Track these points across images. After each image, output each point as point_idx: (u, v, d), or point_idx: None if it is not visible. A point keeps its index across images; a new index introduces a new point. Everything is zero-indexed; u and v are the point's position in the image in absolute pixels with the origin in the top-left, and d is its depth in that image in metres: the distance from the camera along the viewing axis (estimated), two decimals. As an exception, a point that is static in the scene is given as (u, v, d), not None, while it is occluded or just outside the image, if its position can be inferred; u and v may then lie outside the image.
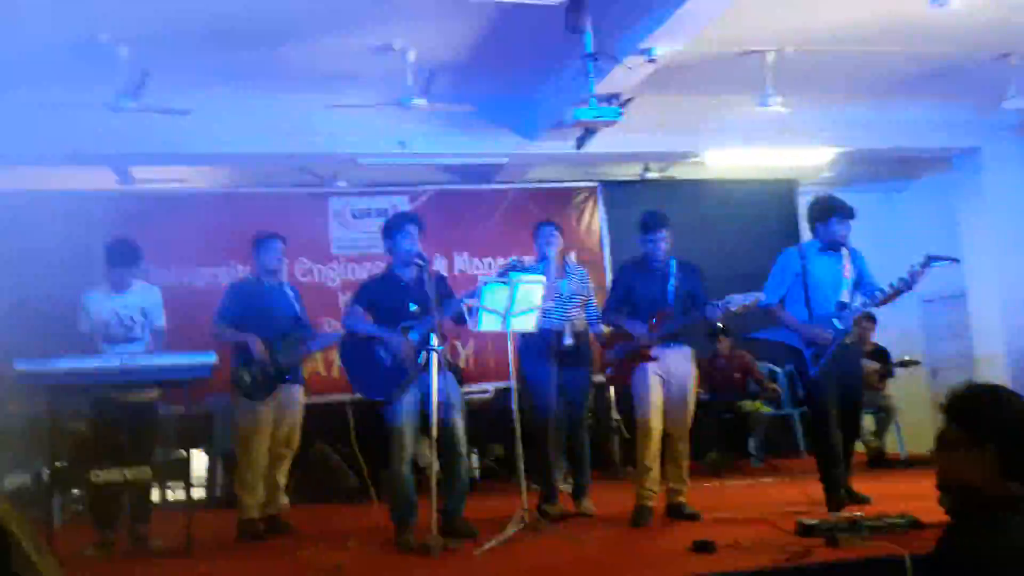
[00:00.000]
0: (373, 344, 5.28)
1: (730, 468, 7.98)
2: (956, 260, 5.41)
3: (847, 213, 5.63)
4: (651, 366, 5.51)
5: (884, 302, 5.53)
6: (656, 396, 5.48)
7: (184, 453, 5.80)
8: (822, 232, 5.68)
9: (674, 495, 5.59)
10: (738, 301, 5.29)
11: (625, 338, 5.64)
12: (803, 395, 6.53)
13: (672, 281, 5.61)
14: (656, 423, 5.47)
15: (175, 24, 5.95)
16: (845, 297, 5.59)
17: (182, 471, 5.54)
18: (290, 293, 6.19)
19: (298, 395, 6.09)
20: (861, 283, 5.67)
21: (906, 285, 5.34)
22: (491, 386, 8.14)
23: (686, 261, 5.73)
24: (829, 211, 5.66)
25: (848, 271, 5.64)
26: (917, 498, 5.21)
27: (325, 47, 6.50)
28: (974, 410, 2.19)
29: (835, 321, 5.51)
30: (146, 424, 5.70)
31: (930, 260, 5.31)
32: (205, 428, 7.82)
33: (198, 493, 7.19)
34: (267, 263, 6.07)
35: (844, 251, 5.67)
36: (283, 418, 5.98)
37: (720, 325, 5.61)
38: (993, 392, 2.24)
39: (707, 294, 5.56)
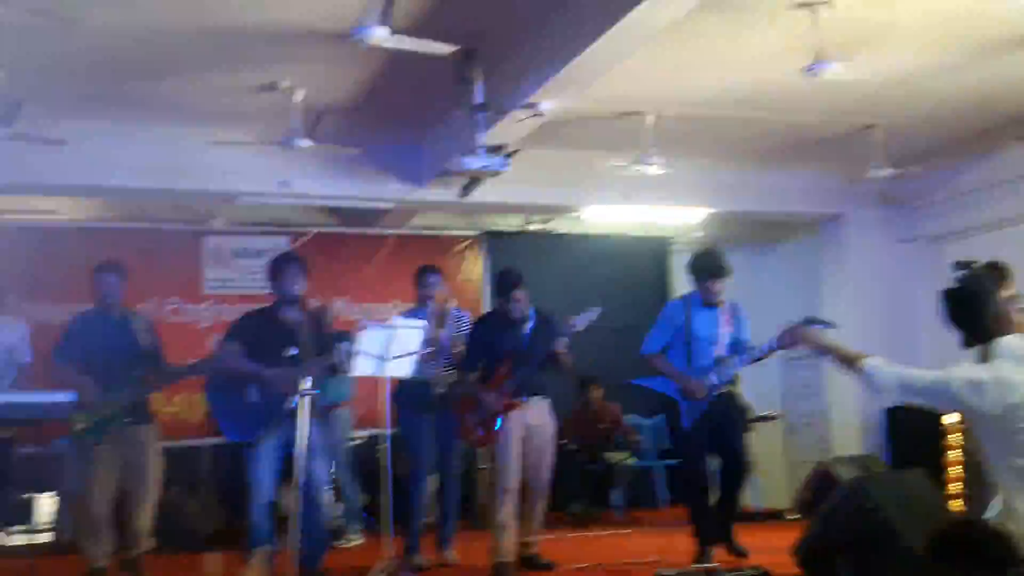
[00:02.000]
0: (242, 383, 5.14)
1: (593, 519, 8.04)
2: (833, 325, 5.64)
3: (719, 272, 5.76)
4: (513, 422, 5.47)
5: (759, 359, 5.68)
6: (516, 453, 5.47)
7: (27, 496, 5.46)
8: (702, 288, 5.81)
9: (527, 547, 5.60)
10: (583, 319, 5.40)
11: (479, 398, 5.59)
12: (673, 446, 6.65)
13: (527, 331, 5.62)
14: (516, 485, 5.47)
15: (53, 53, 5.76)
16: (722, 351, 5.73)
17: (25, 515, 5.22)
18: (139, 325, 5.84)
19: (147, 435, 5.70)
20: (738, 339, 5.81)
21: (782, 345, 5.49)
22: (363, 432, 8.01)
23: (544, 312, 5.72)
24: (702, 269, 5.81)
25: (726, 326, 5.77)
26: (770, 551, 5.39)
27: (210, 83, 6.39)
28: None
29: (711, 375, 5.64)
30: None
31: (808, 322, 5.49)
32: (56, 470, 7.43)
33: (44, 537, 6.80)
34: (103, 295, 5.71)
35: (722, 307, 5.80)
36: (132, 461, 5.65)
37: (572, 366, 5.62)
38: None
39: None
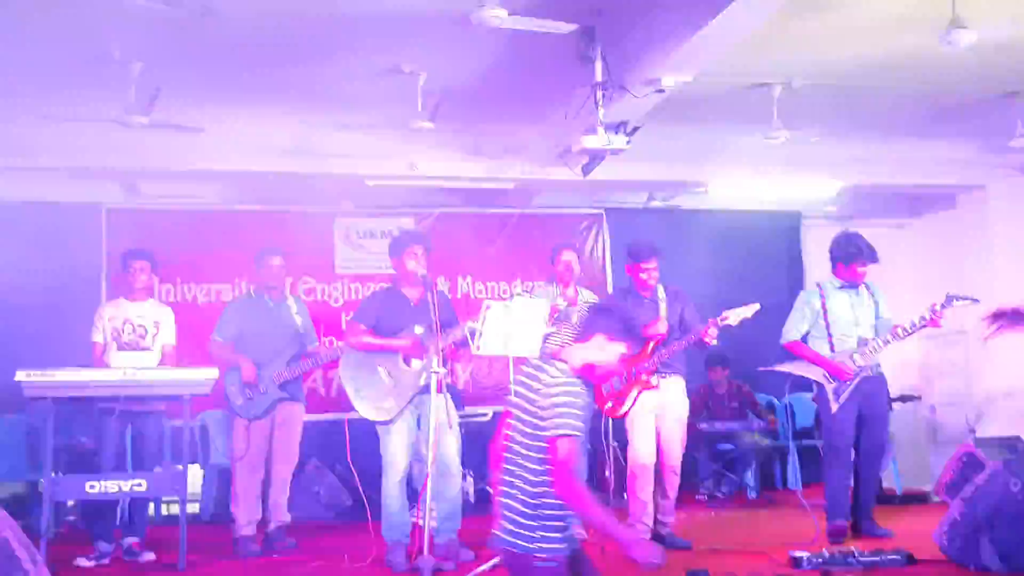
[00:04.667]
0: (374, 362, 5.28)
1: (726, 499, 7.95)
2: (976, 300, 5.48)
3: (871, 258, 5.73)
4: (647, 400, 5.47)
5: (904, 338, 5.62)
6: (651, 432, 5.45)
7: (180, 467, 5.80)
8: (843, 271, 5.77)
9: (662, 526, 5.57)
10: (734, 314, 5.33)
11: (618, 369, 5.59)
12: (820, 429, 6.58)
13: (663, 308, 5.61)
14: (650, 460, 5.45)
15: (189, 42, 6.00)
16: (865, 333, 5.65)
17: (178, 485, 5.53)
18: (293, 307, 6.20)
19: (297, 413, 6.09)
20: (877, 319, 5.76)
21: (926, 323, 5.47)
22: (490, 409, 8.13)
23: (672, 286, 5.75)
24: (855, 255, 5.73)
25: (868, 307, 5.73)
26: (912, 534, 5.22)
27: (337, 68, 6.55)
28: None
29: (855, 356, 5.58)
30: (147, 436, 5.73)
31: (951, 299, 5.41)
32: (201, 443, 7.83)
33: (192, 508, 7.17)
34: (266, 279, 6.09)
35: (863, 287, 5.78)
36: (280, 436, 5.98)
37: (715, 343, 5.55)
38: None
39: (696, 318, 5.59)
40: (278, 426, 5.95)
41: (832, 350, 5.66)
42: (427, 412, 4.99)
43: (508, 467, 3.19)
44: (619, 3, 5.61)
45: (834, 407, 5.60)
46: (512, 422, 3.25)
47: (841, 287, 5.77)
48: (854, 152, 8.30)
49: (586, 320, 3.47)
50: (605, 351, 3.29)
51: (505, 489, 3.19)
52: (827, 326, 5.69)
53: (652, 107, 6.42)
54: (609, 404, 5.60)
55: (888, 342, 5.63)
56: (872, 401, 5.67)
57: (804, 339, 5.76)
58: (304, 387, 6.48)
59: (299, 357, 6.03)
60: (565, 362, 3.24)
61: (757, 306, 5.43)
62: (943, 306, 5.43)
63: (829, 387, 5.62)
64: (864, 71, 6.66)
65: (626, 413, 5.51)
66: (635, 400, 5.49)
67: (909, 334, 5.57)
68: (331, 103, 7.11)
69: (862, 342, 5.63)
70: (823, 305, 5.72)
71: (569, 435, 3.07)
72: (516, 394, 3.28)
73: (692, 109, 7.17)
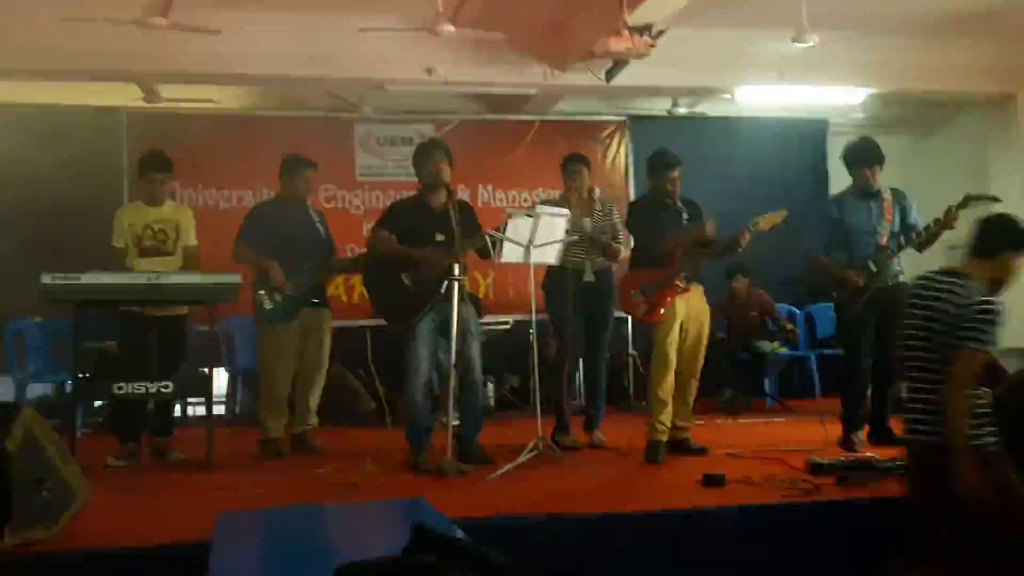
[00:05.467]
0: (398, 269, 5.30)
1: (744, 407, 8.03)
2: (996, 199, 5.35)
3: (873, 159, 5.64)
4: (678, 304, 5.48)
5: (924, 244, 5.57)
6: (675, 337, 5.48)
7: (206, 371, 5.89)
8: (857, 177, 5.70)
9: (680, 431, 5.64)
10: (764, 220, 5.29)
11: (647, 276, 5.61)
12: (837, 336, 6.60)
13: (686, 216, 5.59)
14: (673, 364, 5.48)
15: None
16: (883, 240, 5.60)
17: (204, 388, 5.62)
18: (315, 216, 6.21)
19: (325, 318, 6.14)
20: (904, 225, 5.69)
21: (942, 226, 5.38)
22: (510, 318, 8.18)
23: (687, 198, 5.69)
24: (858, 158, 5.70)
25: (889, 214, 5.66)
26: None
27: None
28: None
29: (870, 264, 5.53)
30: (172, 340, 5.80)
31: (968, 200, 5.30)
32: (227, 346, 7.94)
33: (218, 410, 7.31)
34: (298, 190, 6.08)
35: (886, 194, 5.70)
36: (309, 341, 6.04)
37: (740, 250, 5.51)
38: None
39: (717, 227, 5.56)
40: (307, 331, 6.01)
41: (850, 257, 5.61)
42: (450, 319, 5.02)
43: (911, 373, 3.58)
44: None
45: (845, 316, 5.59)
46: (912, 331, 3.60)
47: (858, 195, 5.70)
48: (881, 58, 8.11)
49: (988, 235, 3.68)
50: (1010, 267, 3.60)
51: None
52: (846, 235, 5.64)
53: (677, 10, 6.27)
54: (643, 309, 5.57)
55: (902, 247, 5.57)
56: (890, 313, 5.49)
57: (827, 250, 5.70)
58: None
59: (324, 263, 6.06)
60: (971, 278, 3.51)
61: (786, 212, 5.37)
62: (960, 207, 5.32)
63: (842, 296, 5.60)
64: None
65: (663, 317, 5.49)
66: (670, 304, 5.48)
67: (925, 239, 5.50)
68: (351, 6, 6.99)
69: (877, 249, 5.58)
70: (839, 214, 5.67)
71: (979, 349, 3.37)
72: (921, 305, 3.58)
73: (718, 12, 7.01)
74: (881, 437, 5.65)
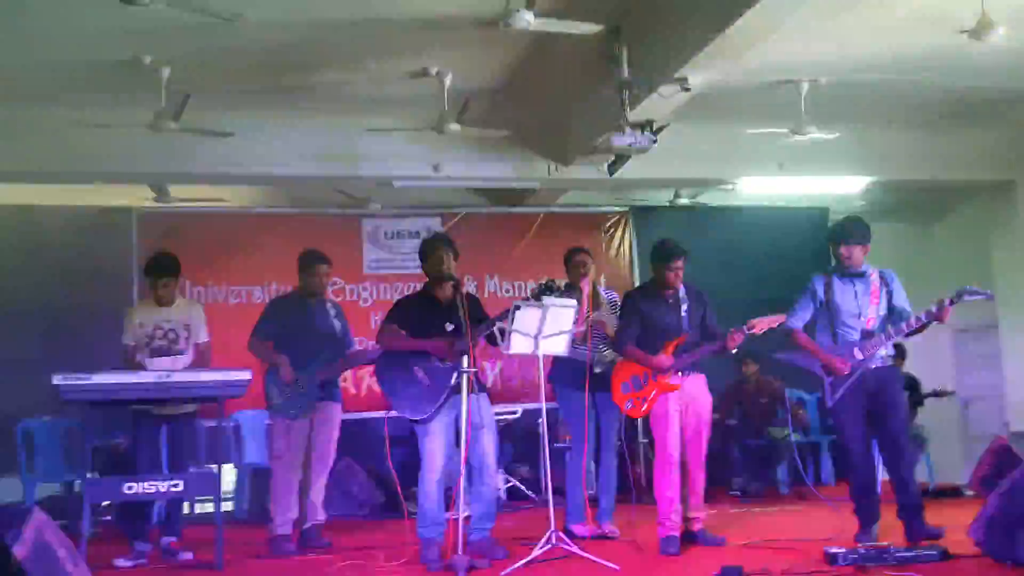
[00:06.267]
0: (410, 362, 5.33)
1: (758, 495, 7.94)
2: (990, 295, 5.32)
3: (849, 236, 5.45)
4: (672, 397, 5.49)
5: (911, 334, 5.40)
6: (675, 429, 5.46)
7: (214, 468, 5.86)
8: (835, 257, 5.56)
9: (692, 522, 5.58)
10: (761, 323, 5.28)
11: (639, 369, 5.56)
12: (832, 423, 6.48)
13: (685, 307, 5.60)
14: (675, 457, 5.45)
15: (216, 48, 6.07)
16: (870, 324, 5.44)
17: (212, 485, 5.59)
18: (331, 310, 6.26)
19: (335, 413, 6.15)
20: (892, 309, 5.49)
21: (933, 318, 5.19)
22: (519, 407, 8.17)
23: (693, 286, 5.66)
24: (834, 236, 5.56)
25: (875, 297, 5.47)
26: (947, 528, 5.19)
27: (364, 72, 6.60)
28: None
29: (856, 350, 5.39)
30: (184, 439, 5.80)
31: (961, 294, 5.20)
32: (235, 442, 7.91)
33: (226, 507, 7.24)
34: (313, 285, 6.16)
35: (873, 276, 5.51)
36: (319, 436, 6.04)
37: (736, 351, 5.48)
38: None
39: (717, 318, 5.57)
40: (316, 426, 6.01)
41: (835, 341, 5.44)
42: (461, 412, 5.03)
43: None
44: (645, 2, 5.62)
45: (829, 403, 5.44)
46: None
47: (845, 276, 5.50)
48: (881, 147, 8.27)
49: None
50: None
51: None
52: (829, 316, 5.47)
53: (678, 105, 6.42)
54: (629, 404, 5.60)
55: (891, 337, 5.37)
56: (881, 396, 5.40)
57: (812, 327, 5.54)
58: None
59: (337, 358, 6.09)
60: None
61: (783, 317, 5.37)
62: (953, 301, 5.13)
63: (826, 381, 5.43)
64: (890, 66, 6.64)
65: (646, 412, 5.50)
66: (655, 400, 5.47)
67: (915, 328, 5.28)
68: (358, 106, 7.18)
69: (865, 334, 5.40)
70: (825, 294, 5.47)
71: None
72: None
73: (718, 106, 7.17)
74: (917, 530, 5.28)
